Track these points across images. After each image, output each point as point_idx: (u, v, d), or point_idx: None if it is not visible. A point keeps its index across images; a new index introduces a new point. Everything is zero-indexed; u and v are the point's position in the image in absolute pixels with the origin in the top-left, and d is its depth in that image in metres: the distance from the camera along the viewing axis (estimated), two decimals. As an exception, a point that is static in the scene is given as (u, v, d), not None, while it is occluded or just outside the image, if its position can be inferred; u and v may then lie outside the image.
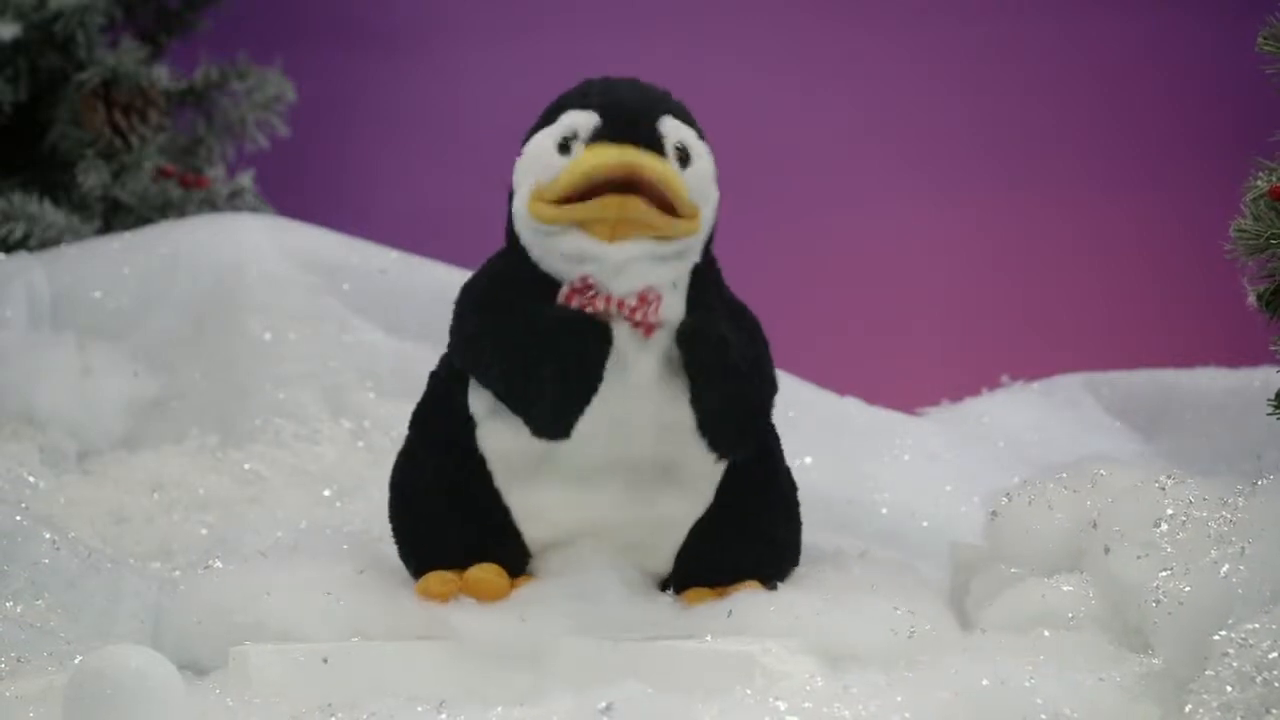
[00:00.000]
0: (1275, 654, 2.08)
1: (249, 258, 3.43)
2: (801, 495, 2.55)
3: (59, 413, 3.27)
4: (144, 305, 3.42)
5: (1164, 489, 2.42)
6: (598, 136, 2.37)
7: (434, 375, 2.54)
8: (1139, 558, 2.33)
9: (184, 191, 3.88)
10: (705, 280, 2.45)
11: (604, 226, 2.36)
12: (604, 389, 2.37)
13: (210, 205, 3.89)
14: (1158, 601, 2.24)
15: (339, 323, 3.40)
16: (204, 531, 3.07)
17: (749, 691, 2.20)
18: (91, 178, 3.80)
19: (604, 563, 2.43)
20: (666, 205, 2.37)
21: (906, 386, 3.72)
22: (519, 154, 2.45)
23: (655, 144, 2.38)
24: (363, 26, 4.41)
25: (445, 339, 2.53)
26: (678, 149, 2.40)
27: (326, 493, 3.16)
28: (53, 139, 3.87)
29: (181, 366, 3.37)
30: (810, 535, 2.55)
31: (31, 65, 3.87)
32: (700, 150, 2.43)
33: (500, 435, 2.43)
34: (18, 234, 3.68)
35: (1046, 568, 2.48)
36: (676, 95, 2.51)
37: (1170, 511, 2.36)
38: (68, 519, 3.02)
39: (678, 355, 2.40)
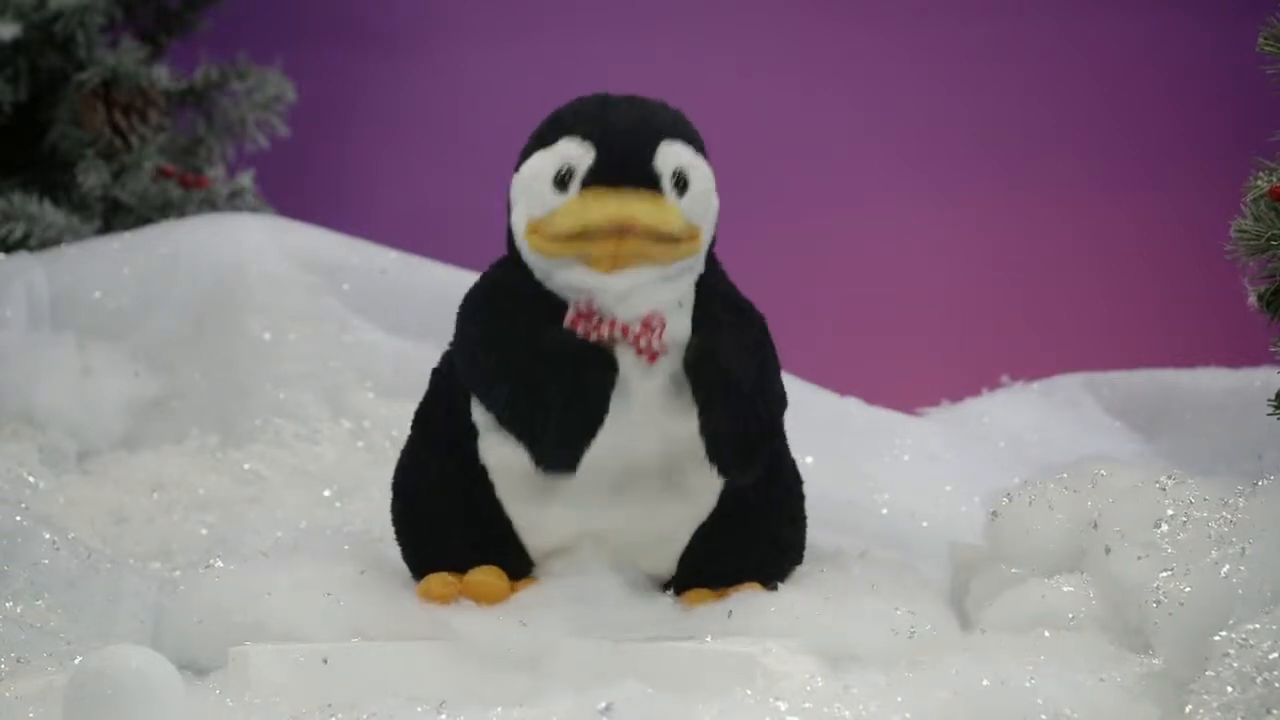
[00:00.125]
0: (1276, 654, 2.08)
1: (249, 258, 3.43)
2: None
3: (59, 413, 3.27)
4: (144, 305, 3.42)
5: (1164, 489, 2.41)
6: (593, 178, 2.36)
7: (436, 373, 2.53)
8: (1139, 558, 2.33)
9: (184, 191, 3.88)
10: (709, 290, 2.44)
11: (605, 260, 2.35)
12: (609, 414, 2.37)
13: (210, 205, 3.89)
14: (1158, 602, 2.24)
15: (339, 323, 3.40)
16: (204, 531, 3.06)
17: (749, 692, 2.20)
18: (91, 178, 3.80)
19: (605, 565, 2.43)
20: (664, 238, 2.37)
21: (906, 386, 3.72)
22: (515, 167, 2.43)
23: (651, 181, 2.37)
24: (363, 26, 4.41)
25: (446, 339, 2.52)
26: (675, 177, 2.39)
27: (326, 493, 3.16)
28: (53, 139, 3.87)
29: (181, 366, 3.37)
30: (810, 535, 2.55)
31: (31, 65, 3.87)
32: (699, 169, 2.41)
33: (502, 449, 2.42)
34: (18, 234, 3.68)
35: (1047, 568, 2.48)
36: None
37: (1170, 512, 2.36)
38: (68, 519, 3.02)
39: (683, 374, 2.40)
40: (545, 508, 2.41)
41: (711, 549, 2.46)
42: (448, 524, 2.46)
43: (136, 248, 3.47)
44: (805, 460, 2.56)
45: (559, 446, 2.37)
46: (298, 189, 4.22)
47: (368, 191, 4.41)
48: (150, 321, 3.40)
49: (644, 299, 2.39)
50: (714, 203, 2.43)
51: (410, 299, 3.44)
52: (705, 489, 2.44)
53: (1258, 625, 2.12)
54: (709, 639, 2.35)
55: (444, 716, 2.14)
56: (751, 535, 2.47)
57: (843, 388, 3.47)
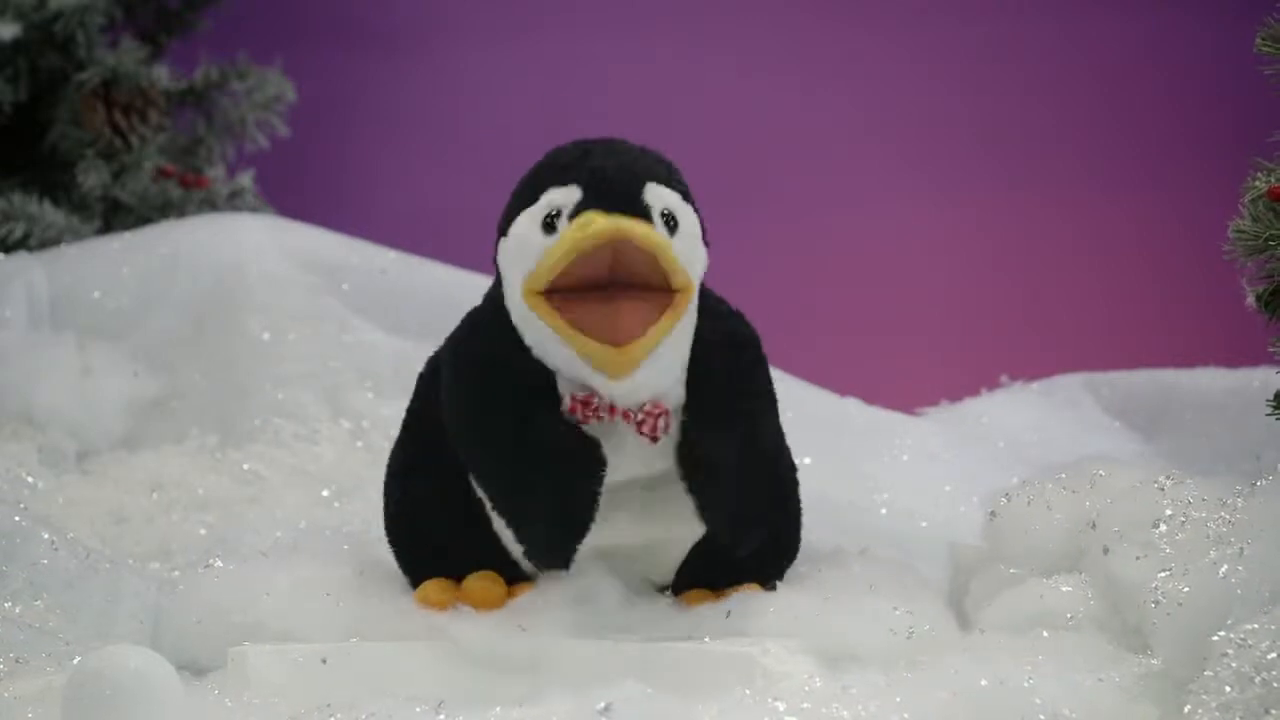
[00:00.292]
0: (1274, 654, 2.08)
1: (249, 258, 3.43)
2: (801, 495, 2.54)
3: (59, 413, 3.27)
4: (144, 305, 3.41)
5: (1163, 489, 2.42)
6: (581, 208, 2.29)
7: (422, 378, 2.52)
8: (1138, 558, 2.33)
9: (184, 191, 3.88)
10: (699, 338, 2.38)
11: (609, 364, 2.29)
12: (617, 467, 2.35)
13: (210, 205, 3.89)
14: (1157, 602, 2.24)
15: (339, 323, 3.40)
16: (203, 531, 3.06)
17: (748, 692, 2.20)
18: (91, 178, 3.80)
19: (603, 568, 2.43)
20: (660, 284, 2.30)
21: (906, 386, 3.72)
22: (498, 232, 2.38)
23: (642, 212, 2.30)
24: (363, 26, 4.41)
25: (442, 343, 2.51)
26: (665, 215, 2.32)
27: (326, 493, 3.16)
28: (53, 139, 3.87)
29: (181, 366, 3.37)
30: (810, 535, 2.55)
31: (31, 65, 3.87)
32: (686, 213, 2.34)
33: None
34: (18, 234, 3.68)
35: (1046, 568, 2.48)
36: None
37: (1169, 512, 2.36)
38: (67, 519, 3.02)
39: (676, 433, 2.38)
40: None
41: (711, 553, 2.45)
42: (442, 533, 2.45)
43: (136, 248, 3.47)
44: (805, 460, 2.56)
45: (550, 547, 2.35)
46: (298, 189, 4.22)
47: (368, 191, 4.41)
48: (150, 321, 3.40)
49: (646, 388, 2.35)
50: (701, 251, 2.36)
51: (410, 299, 3.43)
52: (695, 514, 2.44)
53: (1256, 625, 2.12)
54: (708, 639, 2.35)
55: (443, 716, 2.14)
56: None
57: (843, 388, 3.47)
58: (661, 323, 2.31)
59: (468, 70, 4.39)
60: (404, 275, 3.47)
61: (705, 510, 2.38)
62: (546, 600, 2.40)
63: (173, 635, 2.49)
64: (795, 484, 2.52)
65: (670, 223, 2.32)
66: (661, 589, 2.48)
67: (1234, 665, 2.09)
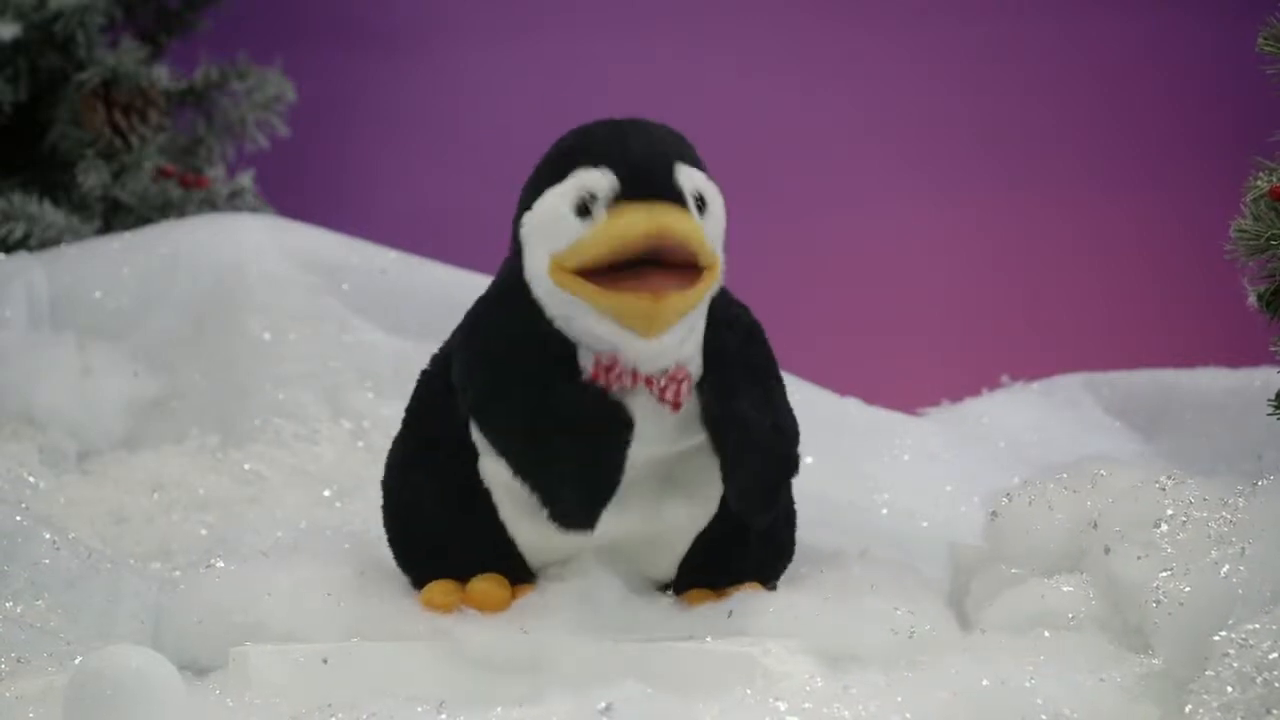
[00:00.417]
0: (1275, 654, 2.08)
1: (249, 258, 3.43)
2: (801, 495, 2.54)
3: (59, 413, 3.27)
4: (144, 305, 3.41)
5: (1164, 489, 2.41)
6: (620, 197, 2.30)
7: (426, 374, 2.51)
8: (1139, 558, 2.33)
9: (184, 191, 3.88)
10: (714, 315, 2.40)
11: (643, 321, 2.30)
12: (640, 440, 2.35)
13: (210, 205, 3.89)
14: (1158, 602, 2.24)
15: (339, 323, 3.40)
16: (204, 531, 3.06)
17: (749, 691, 2.20)
18: (91, 178, 3.80)
19: (606, 568, 2.43)
20: (691, 264, 2.31)
21: (906, 386, 3.72)
22: (520, 207, 2.38)
23: (677, 197, 2.31)
24: (363, 26, 4.41)
25: (445, 339, 2.52)
26: (696, 197, 2.34)
27: (326, 493, 3.16)
28: (53, 139, 3.87)
29: (181, 366, 3.37)
30: (810, 535, 2.55)
31: (31, 65, 3.87)
32: (713, 193, 2.37)
33: (505, 472, 2.39)
34: (18, 234, 3.68)
35: (1046, 568, 2.48)
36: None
37: (1170, 512, 2.36)
38: (68, 519, 3.02)
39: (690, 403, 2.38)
40: (551, 528, 2.39)
41: (711, 551, 2.45)
42: (442, 531, 2.45)
43: (136, 248, 3.48)
44: (805, 460, 2.56)
45: (577, 509, 2.34)
46: (298, 189, 4.22)
47: (368, 191, 4.41)
48: (150, 321, 3.40)
49: (673, 353, 2.36)
50: (724, 229, 2.39)
51: (410, 299, 3.43)
52: (706, 497, 2.43)
53: (1257, 625, 2.12)
54: (709, 639, 2.35)
55: (444, 717, 2.14)
56: (751, 538, 2.46)
57: (843, 388, 3.47)
58: (694, 290, 2.32)
59: (468, 70, 4.39)
60: (404, 275, 3.47)
61: (732, 470, 2.37)
62: (549, 602, 2.39)
63: (174, 635, 2.49)
64: (791, 497, 2.53)
65: (700, 203, 2.34)
66: (662, 588, 2.48)
67: (1235, 665, 2.09)
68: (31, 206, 3.71)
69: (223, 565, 2.52)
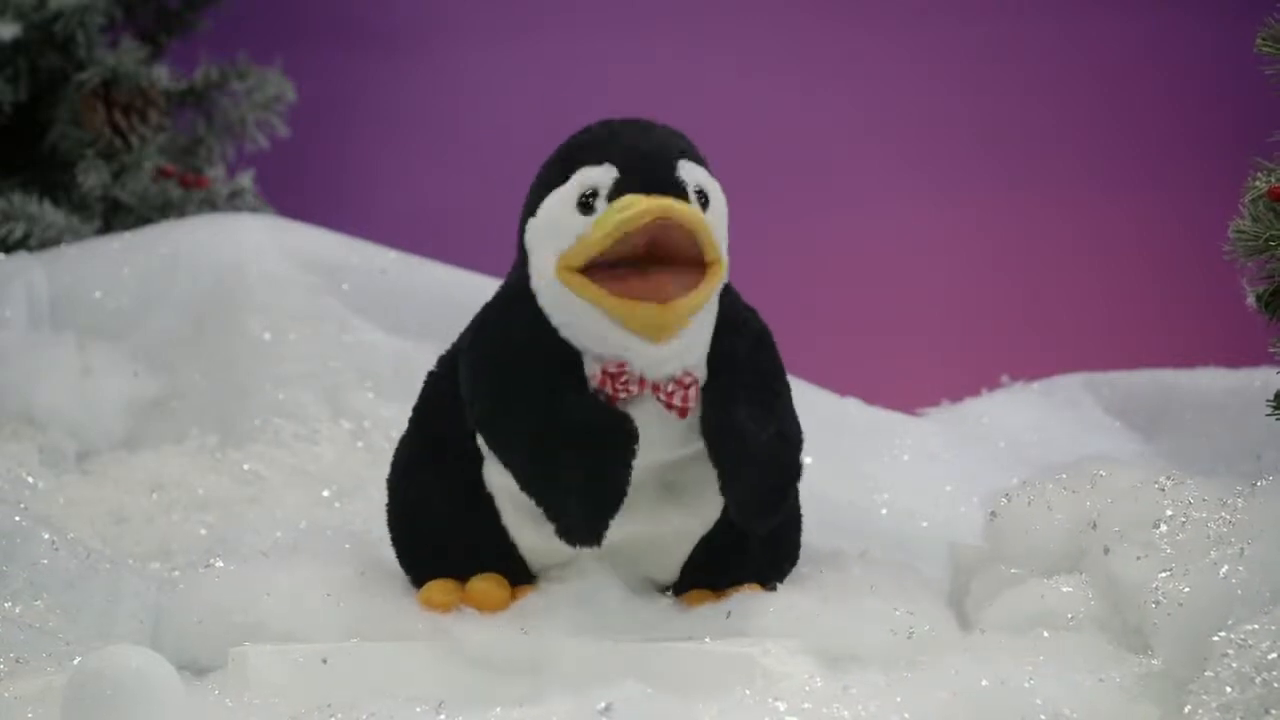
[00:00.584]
0: (1275, 655, 2.08)
1: (249, 258, 3.43)
2: (802, 495, 2.54)
3: (59, 413, 3.27)
4: (144, 305, 3.41)
5: (1164, 489, 2.42)
6: (621, 189, 2.30)
7: (432, 376, 2.52)
8: (1139, 558, 2.33)
9: (184, 191, 3.88)
10: (722, 319, 2.40)
11: (651, 327, 2.30)
12: (645, 448, 2.34)
13: (210, 205, 3.89)
14: (1157, 602, 2.24)
15: (339, 323, 3.40)
16: (204, 531, 3.06)
17: (749, 692, 2.20)
18: (91, 178, 3.80)
19: (606, 570, 2.43)
20: (695, 257, 2.31)
21: (906, 386, 3.72)
22: (524, 214, 2.39)
23: (679, 191, 2.31)
24: (363, 26, 4.41)
25: (446, 339, 2.52)
26: (698, 193, 2.33)
27: (326, 493, 3.16)
28: (53, 139, 3.87)
29: (181, 366, 3.37)
30: (810, 535, 2.55)
31: (31, 65, 3.87)
32: (716, 190, 2.37)
33: (511, 480, 2.39)
34: (18, 234, 3.68)
35: (1046, 568, 2.48)
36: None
37: (1170, 512, 2.36)
38: (67, 519, 3.02)
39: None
40: (553, 534, 2.39)
41: (713, 553, 2.45)
42: (444, 532, 2.45)
43: (136, 248, 3.47)
44: (805, 460, 2.56)
45: (584, 525, 2.33)
46: (298, 189, 4.22)
47: (368, 191, 4.41)
48: (150, 321, 3.40)
49: (678, 358, 2.36)
50: (726, 226, 2.39)
51: (410, 299, 3.43)
52: (709, 503, 2.43)
53: (1256, 625, 2.12)
54: (708, 639, 2.35)
55: (443, 717, 2.14)
56: (754, 543, 2.46)
57: (843, 388, 3.47)
58: (700, 289, 2.32)
59: (468, 70, 4.39)
60: (404, 275, 3.47)
61: (729, 482, 2.37)
62: (549, 602, 2.40)
63: (173, 635, 2.49)
64: (797, 495, 2.53)
65: (703, 199, 2.34)
66: (663, 589, 2.48)
67: (1234, 665, 2.09)
68: (31, 206, 3.71)
69: (222, 565, 2.52)
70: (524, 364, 2.37)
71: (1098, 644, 2.32)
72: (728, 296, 2.42)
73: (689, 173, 2.34)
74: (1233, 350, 3.44)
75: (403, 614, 2.42)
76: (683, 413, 2.36)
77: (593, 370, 2.36)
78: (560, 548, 2.39)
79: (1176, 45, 4.32)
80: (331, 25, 4.40)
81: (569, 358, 2.36)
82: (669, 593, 2.47)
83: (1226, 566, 2.21)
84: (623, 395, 2.35)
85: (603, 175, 2.32)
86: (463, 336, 2.48)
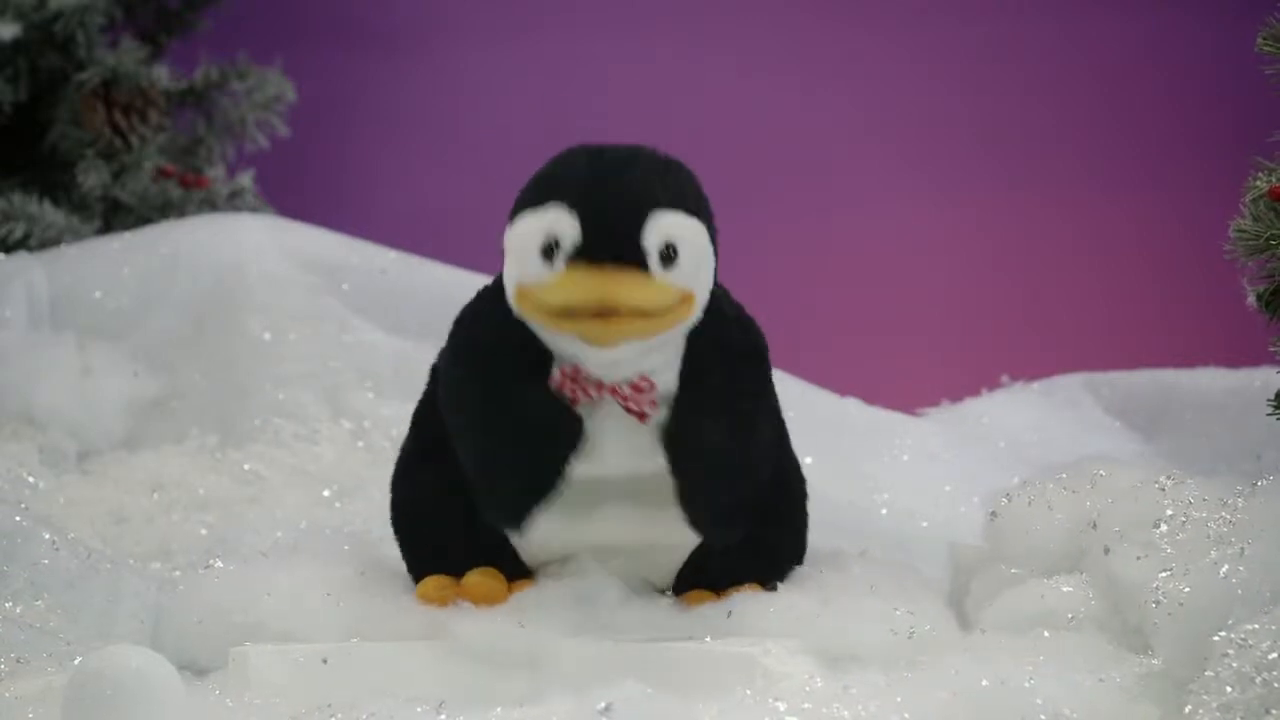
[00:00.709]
0: (1275, 655, 2.08)
1: (249, 258, 3.43)
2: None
3: (59, 413, 3.27)
4: (144, 305, 3.41)
5: (1164, 489, 2.42)
6: (578, 254, 2.31)
7: (433, 370, 2.52)
8: (1139, 558, 2.33)
9: (184, 191, 3.88)
10: (702, 336, 2.40)
11: (594, 334, 2.32)
12: (601, 453, 2.36)
13: (210, 205, 3.89)
14: (1157, 602, 2.24)
15: (339, 323, 3.40)
16: (204, 531, 3.07)
17: (749, 692, 2.20)
18: (91, 178, 3.80)
19: (603, 569, 2.43)
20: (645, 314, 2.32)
21: (906, 386, 3.72)
22: (509, 216, 2.39)
23: (637, 258, 2.31)
24: (363, 26, 4.41)
25: (445, 339, 2.52)
26: (664, 250, 2.33)
27: (326, 493, 3.16)
28: (53, 139, 3.87)
29: (181, 366, 3.37)
30: (810, 535, 2.55)
31: (31, 65, 3.87)
32: (688, 235, 2.35)
33: None
34: (18, 234, 3.68)
35: (1046, 568, 2.48)
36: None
37: (1170, 512, 2.36)
38: (67, 519, 3.02)
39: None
40: (541, 523, 2.40)
41: (711, 560, 2.45)
42: (444, 530, 2.46)
43: (136, 248, 3.47)
44: (805, 460, 2.56)
45: (508, 507, 2.36)
46: (298, 189, 4.22)
47: (368, 191, 4.41)
48: (150, 321, 3.40)
49: (633, 365, 2.36)
50: (708, 260, 2.37)
51: (410, 299, 3.43)
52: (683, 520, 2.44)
53: (1257, 625, 2.12)
54: (709, 639, 2.35)
55: (444, 716, 2.14)
56: (753, 547, 2.46)
57: (843, 388, 3.47)
58: (655, 325, 2.33)
59: (468, 70, 4.39)
60: (404, 275, 3.47)
61: (684, 494, 2.37)
62: (546, 597, 2.40)
63: (173, 635, 2.49)
64: (803, 496, 2.53)
65: (669, 254, 2.33)
66: (661, 591, 2.48)
67: (1235, 665, 2.09)
68: (31, 206, 3.71)
69: (222, 565, 2.53)
70: (492, 352, 2.39)
71: (1098, 644, 2.32)
72: (719, 306, 2.42)
73: (656, 232, 2.33)
74: (1233, 350, 3.44)
75: (403, 613, 2.42)
76: (642, 417, 2.37)
77: (556, 371, 2.38)
78: (555, 544, 2.41)
79: (1176, 45, 4.32)
80: (331, 25, 4.40)
81: (537, 356, 2.38)
82: (669, 593, 2.47)
83: (1227, 566, 2.21)
84: (583, 398, 2.36)
85: (569, 228, 2.32)
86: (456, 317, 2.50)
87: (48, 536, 2.64)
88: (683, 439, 2.37)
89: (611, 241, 2.31)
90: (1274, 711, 2.04)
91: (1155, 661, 2.23)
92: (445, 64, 4.40)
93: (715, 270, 2.40)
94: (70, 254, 3.49)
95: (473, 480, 2.39)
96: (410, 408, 2.54)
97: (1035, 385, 3.56)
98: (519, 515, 2.36)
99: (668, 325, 2.34)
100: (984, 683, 2.14)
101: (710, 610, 2.41)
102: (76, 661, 2.24)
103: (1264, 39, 2.61)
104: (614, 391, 2.36)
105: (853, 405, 3.43)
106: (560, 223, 2.32)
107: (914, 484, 3.20)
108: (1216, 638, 2.13)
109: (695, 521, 2.39)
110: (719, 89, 4.33)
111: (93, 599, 2.60)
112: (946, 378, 3.70)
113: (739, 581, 2.44)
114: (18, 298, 3.40)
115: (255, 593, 2.45)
